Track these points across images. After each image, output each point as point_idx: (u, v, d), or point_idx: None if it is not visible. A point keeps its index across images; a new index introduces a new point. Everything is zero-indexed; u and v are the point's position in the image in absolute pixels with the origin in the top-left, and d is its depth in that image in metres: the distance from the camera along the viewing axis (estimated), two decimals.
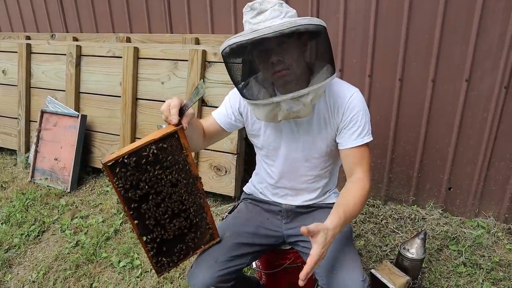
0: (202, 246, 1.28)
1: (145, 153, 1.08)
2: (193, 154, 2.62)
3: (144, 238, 1.16)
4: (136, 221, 1.13)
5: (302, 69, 1.21)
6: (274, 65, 1.16)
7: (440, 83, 2.18)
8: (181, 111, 1.10)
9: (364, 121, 1.27)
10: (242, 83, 1.25)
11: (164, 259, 1.22)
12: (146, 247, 1.18)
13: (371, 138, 1.29)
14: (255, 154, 1.54)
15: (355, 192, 1.18)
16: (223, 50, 1.14)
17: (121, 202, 1.11)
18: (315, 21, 1.08)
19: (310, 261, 0.98)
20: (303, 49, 1.21)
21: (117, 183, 1.07)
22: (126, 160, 1.06)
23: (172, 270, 1.28)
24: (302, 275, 0.97)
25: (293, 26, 1.04)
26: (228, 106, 1.41)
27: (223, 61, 1.19)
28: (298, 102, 1.15)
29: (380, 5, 2.18)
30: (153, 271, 2.09)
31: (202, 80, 2.49)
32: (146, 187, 1.11)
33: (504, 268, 2.01)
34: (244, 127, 1.45)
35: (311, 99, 1.16)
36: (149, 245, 1.18)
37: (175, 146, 1.12)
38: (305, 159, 1.37)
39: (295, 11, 1.16)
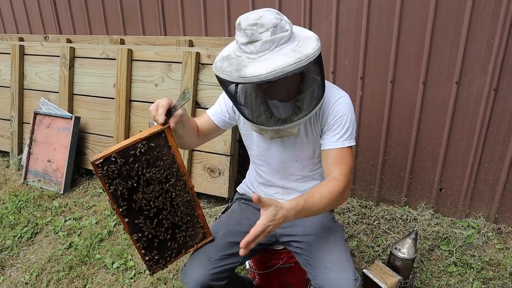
0: (195, 245, 1.29)
1: (133, 152, 1.10)
2: (186, 155, 2.64)
3: (135, 236, 1.17)
4: (126, 219, 1.14)
5: (291, 92, 1.26)
6: (263, 91, 1.21)
7: (431, 85, 2.21)
8: (170, 112, 1.12)
9: (348, 126, 1.26)
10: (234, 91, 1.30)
11: (156, 257, 1.23)
12: (137, 245, 1.19)
13: (353, 143, 1.29)
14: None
15: (325, 188, 1.16)
16: (216, 74, 1.16)
17: (110, 200, 1.12)
18: (305, 61, 1.04)
19: (252, 230, 0.97)
20: (294, 78, 1.21)
21: (105, 181, 1.08)
22: (114, 159, 1.07)
23: (165, 269, 1.29)
24: (243, 243, 0.97)
25: (281, 74, 1.03)
26: (223, 104, 1.43)
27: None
28: (284, 129, 1.25)
29: (372, 7, 2.21)
30: (147, 272, 2.09)
31: (188, 85, 2.52)
32: (135, 184, 1.12)
33: (494, 268, 2.04)
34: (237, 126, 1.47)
35: (298, 128, 1.25)
36: (140, 243, 1.19)
37: (163, 144, 1.14)
38: (295, 159, 1.39)
39: (289, 30, 1.09)
